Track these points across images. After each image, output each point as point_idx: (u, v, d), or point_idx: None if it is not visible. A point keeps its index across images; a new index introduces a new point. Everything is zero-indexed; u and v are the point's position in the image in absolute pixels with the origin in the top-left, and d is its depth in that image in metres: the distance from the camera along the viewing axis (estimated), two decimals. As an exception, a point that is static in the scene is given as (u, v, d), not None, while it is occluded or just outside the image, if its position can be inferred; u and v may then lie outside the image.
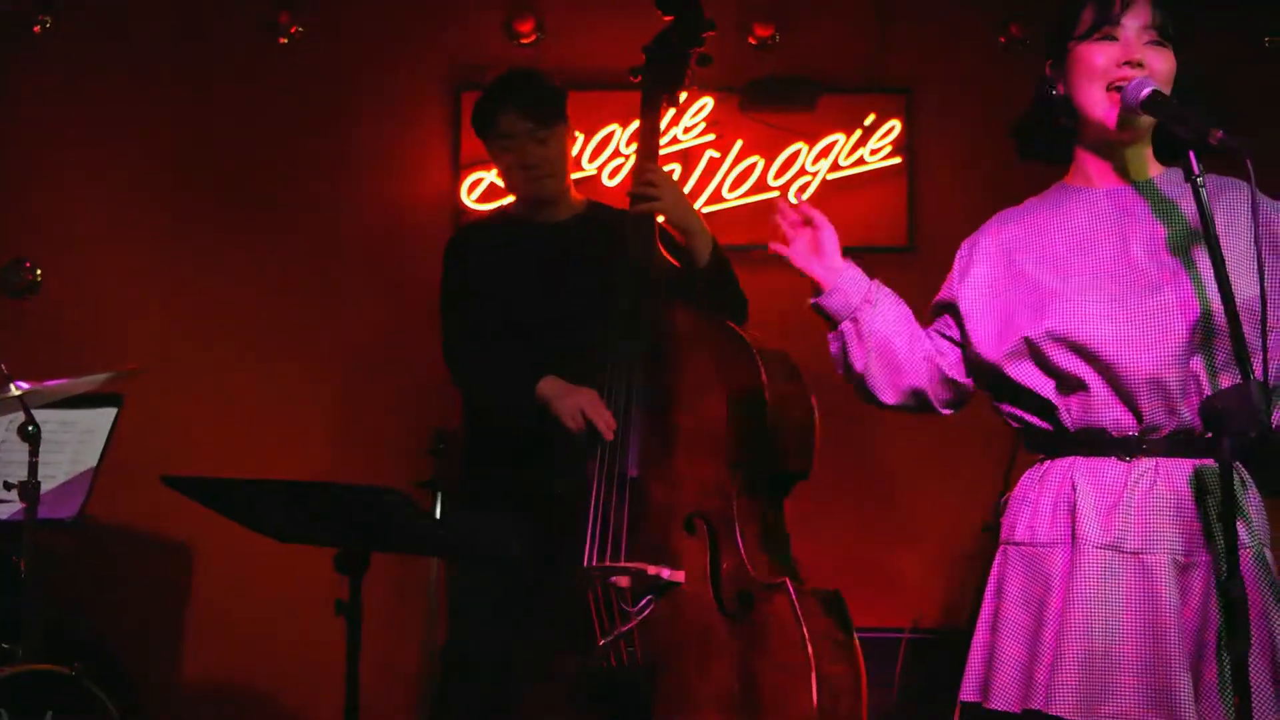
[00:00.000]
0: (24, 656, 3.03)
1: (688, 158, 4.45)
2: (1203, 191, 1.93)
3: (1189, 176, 1.92)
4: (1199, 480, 2.03)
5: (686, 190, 4.30)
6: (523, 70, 3.35)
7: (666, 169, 3.04)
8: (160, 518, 4.15)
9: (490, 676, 2.98)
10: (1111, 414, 2.04)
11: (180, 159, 4.47)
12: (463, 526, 3.23)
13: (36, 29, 4.39)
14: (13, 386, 3.17)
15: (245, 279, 4.44)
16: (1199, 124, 1.92)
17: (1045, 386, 2.08)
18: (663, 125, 3.02)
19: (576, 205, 3.27)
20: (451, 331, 3.19)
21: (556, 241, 3.18)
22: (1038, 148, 2.23)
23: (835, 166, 4.46)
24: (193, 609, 4.33)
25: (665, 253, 2.96)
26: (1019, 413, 2.15)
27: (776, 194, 4.42)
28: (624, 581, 2.63)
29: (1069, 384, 2.06)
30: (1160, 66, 2.07)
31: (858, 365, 2.25)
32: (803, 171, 4.45)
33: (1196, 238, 2.04)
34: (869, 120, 4.46)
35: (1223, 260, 1.90)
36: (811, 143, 4.45)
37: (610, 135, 4.43)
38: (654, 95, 2.98)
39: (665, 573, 2.63)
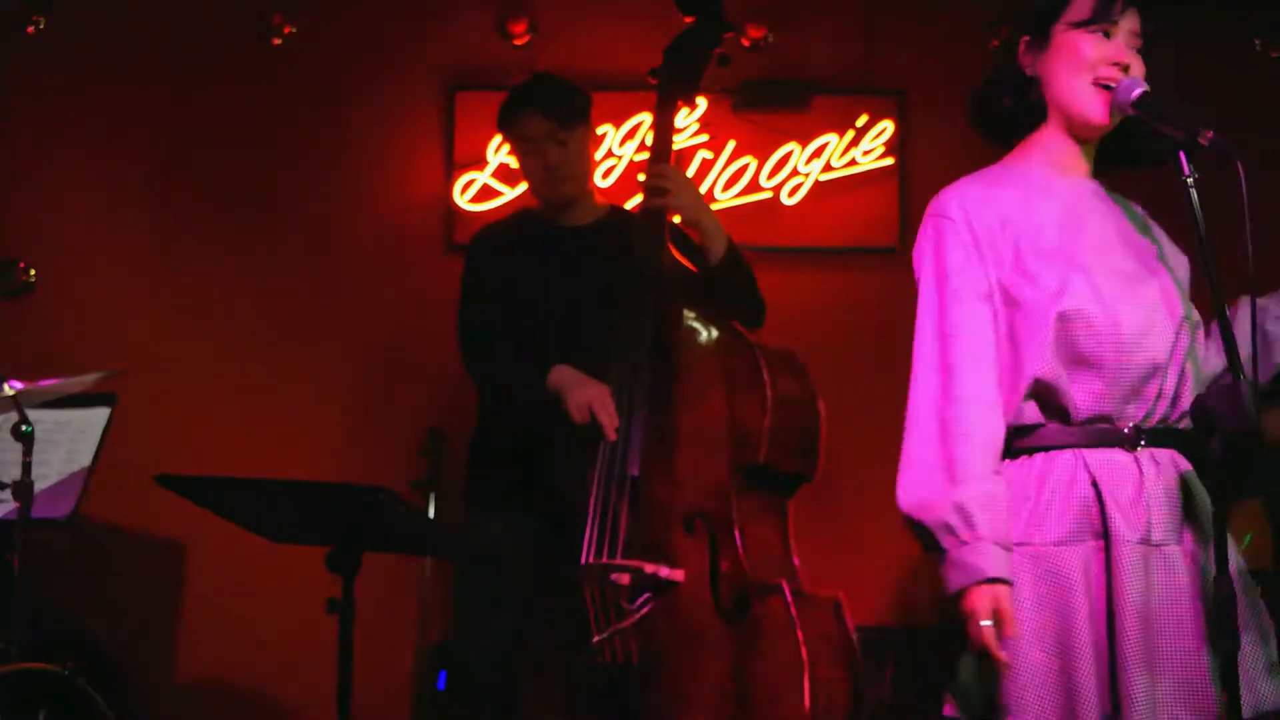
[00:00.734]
0: (17, 655, 3.03)
1: (681, 159, 4.46)
2: (1194, 192, 1.95)
3: (1179, 176, 1.93)
4: (1179, 472, 2.05)
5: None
6: (547, 74, 3.38)
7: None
8: (154, 517, 4.14)
9: (491, 674, 2.99)
10: (1118, 405, 2.04)
11: (174, 159, 4.46)
12: (468, 528, 3.24)
13: (30, 29, 4.38)
14: (6, 386, 3.16)
15: (238, 279, 4.44)
16: (1190, 125, 1.94)
17: (1058, 376, 2.03)
18: (677, 123, 3.03)
19: (599, 209, 3.28)
20: (468, 327, 3.20)
21: (575, 243, 3.20)
22: (996, 123, 2.17)
23: (828, 167, 4.46)
24: (186, 608, 4.33)
25: (680, 256, 2.97)
26: (1016, 403, 2.09)
27: (769, 194, 4.44)
28: (624, 579, 2.64)
29: (1080, 373, 2.03)
30: (1140, 73, 2.08)
31: None
32: (795, 172, 4.45)
33: (1151, 238, 2.14)
34: (861, 121, 4.46)
35: (1217, 263, 1.92)
36: (804, 144, 4.46)
37: (603, 136, 4.43)
38: (670, 95, 3.00)
39: (664, 571, 2.64)
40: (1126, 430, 2.03)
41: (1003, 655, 1.94)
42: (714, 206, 4.44)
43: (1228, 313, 1.92)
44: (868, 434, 4.24)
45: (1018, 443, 2.07)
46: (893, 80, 4.51)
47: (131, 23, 4.48)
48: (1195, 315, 2.12)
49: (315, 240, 4.48)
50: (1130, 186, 2.25)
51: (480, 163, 4.43)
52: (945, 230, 2.08)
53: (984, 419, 2.02)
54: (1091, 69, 2.07)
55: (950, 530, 1.98)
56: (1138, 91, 2.03)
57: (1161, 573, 1.99)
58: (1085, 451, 2.03)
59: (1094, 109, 2.08)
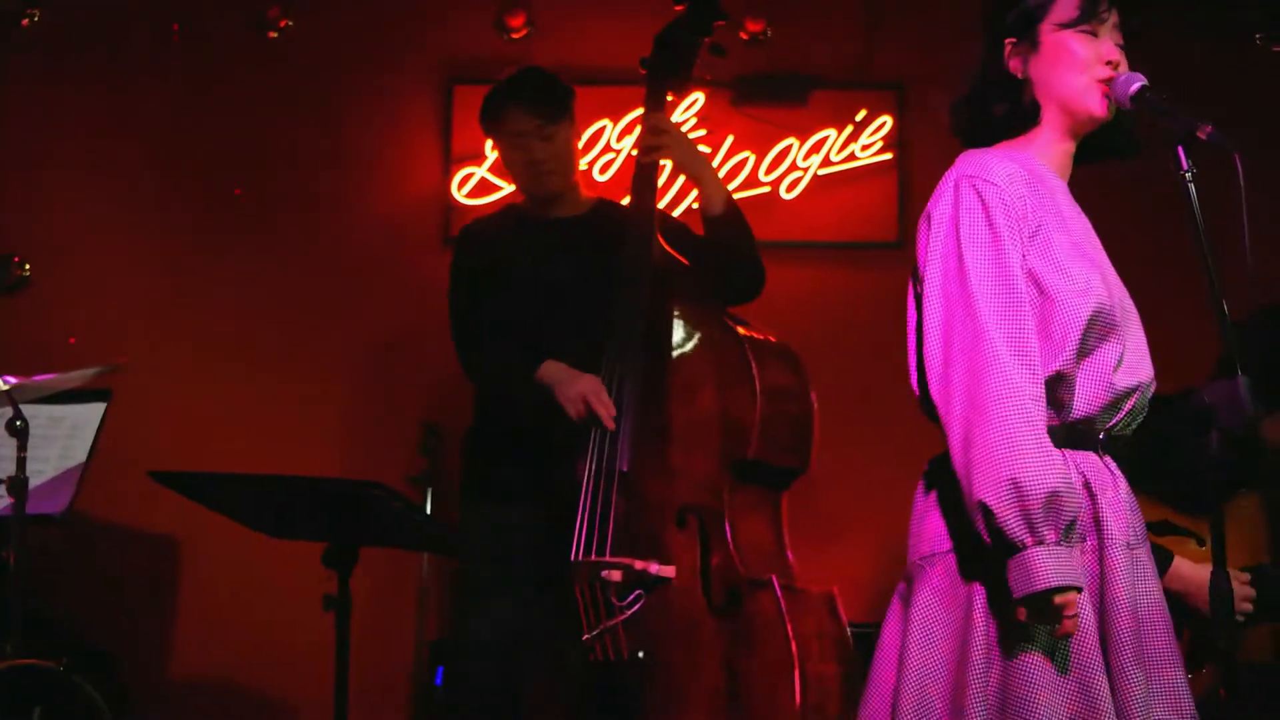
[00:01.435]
0: (12, 652, 3.02)
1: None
2: (1192, 187, 1.94)
3: (1177, 170, 1.93)
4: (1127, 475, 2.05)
5: (676, 189, 4.32)
6: (530, 68, 3.36)
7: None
8: (149, 513, 4.14)
9: (489, 670, 2.99)
10: (1102, 410, 2.03)
11: (170, 154, 4.45)
12: (465, 524, 3.23)
13: (25, 22, 4.37)
14: (1, 381, 3.16)
15: (234, 274, 4.43)
16: (1188, 118, 1.93)
17: (1071, 375, 1.99)
18: (675, 116, 3.02)
19: (585, 202, 3.27)
20: (460, 321, 3.20)
21: (563, 236, 3.19)
22: (985, 129, 2.12)
23: (826, 162, 4.45)
24: (182, 603, 4.32)
25: (669, 248, 2.96)
26: None
27: (768, 189, 4.43)
28: (615, 576, 2.63)
29: (1087, 375, 2.00)
30: (1125, 70, 2.07)
31: None
32: (794, 167, 4.44)
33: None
34: (860, 116, 4.45)
35: (1216, 259, 1.91)
36: (803, 138, 4.45)
37: (601, 131, 4.42)
38: (660, 84, 2.99)
39: (655, 567, 2.63)
40: (1100, 435, 2.03)
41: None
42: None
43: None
44: (867, 428, 4.25)
45: None
46: (891, 74, 4.50)
47: (127, 17, 4.46)
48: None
49: (312, 235, 4.47)
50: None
51: (478, 157, 4.41)
52: (989, 194, 1.97)
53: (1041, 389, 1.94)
54: (1088, 68, 2.06)
55: (1073, 528, 1.87)
56: (1136, 86, 2.02)
57: (1142, 576, 2.00)
58: (1070, 453, 2.00)
59: (1098, 104, 2.06)
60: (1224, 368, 2.07)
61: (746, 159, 4.45)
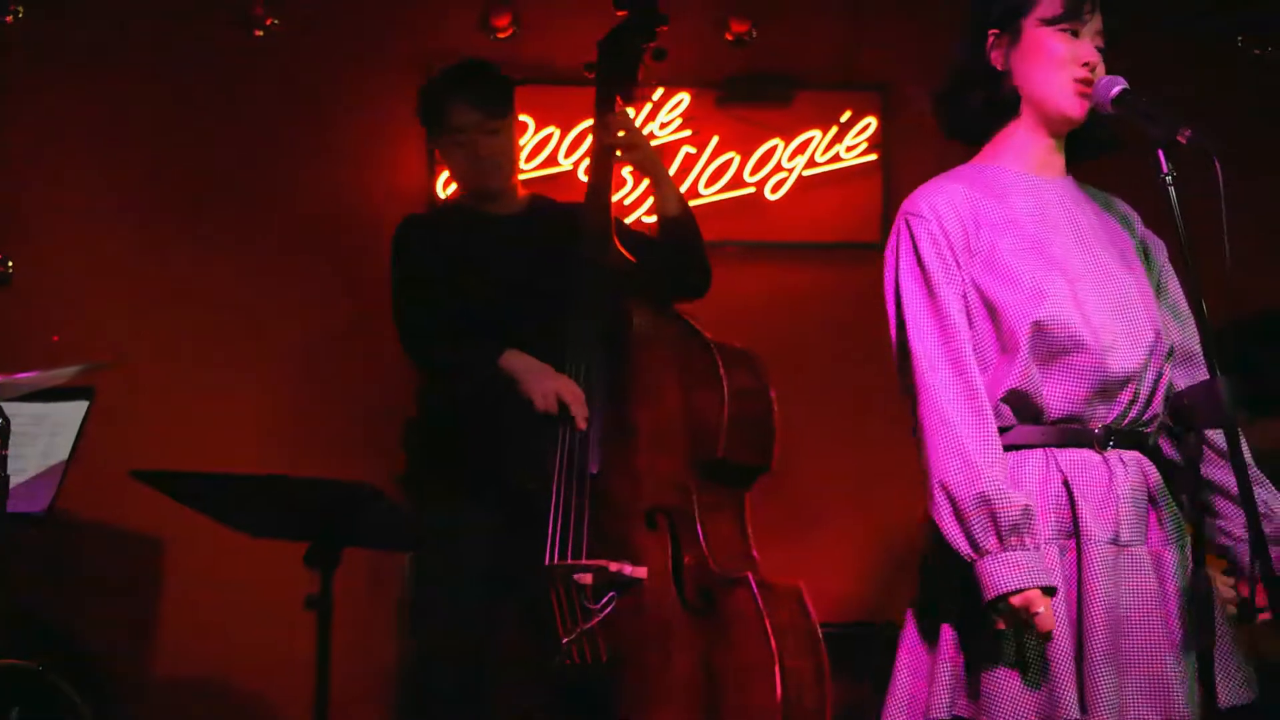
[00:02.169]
0: (-9, 652, 3.02)
1: (663, 153, 4.45)
2: (1172, 190, 1.95)
3: (1158, 174, 1.93)
4: (1142, 472, 2.05)
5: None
6: (470, 61, 3.32)
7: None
8: (131, 512, 4.12)
9: (460, 677, 2.97)
10: (1091, 406, 2.04)
11: (153, 150, 4.44)
12: (439, 525, 3.22)
13: (9, 19, 4.35)
14: (-18, 379, 3.15)
15: (218, 271, 4.41)
16: (1169, 122, 1.94)
17: (1032, 377, 2.03)
18: (632, 115, 3.02)
19: (522, 199, 3.25)
20: (411, 315, 3.14)
21: (510, 232, 3.16)
22: (966, 120, 2.15)
23: (811, 163, 4.46)
24: (163, 604, 4.31)
25: (622, 248, 2.95)
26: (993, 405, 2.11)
27: (753, 190, 4.43)
28: (586, 579, 2.64)
29: (1055, 376, 2.02)
30: (1102, 72, 2.08)
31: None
32: (779, 168, 4.45)
33: (1132, 234, 2.16)
34: (845, 117, 4.46)
35: (1196, 262, 1.92)
36: (787, 139, 4.46)
37: (586, 131, 4.42)
38: (608, 90, 2.98)
39: (627, 569, 2.64)
40: (1097, 430, 2.03)
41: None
42: (697, 202, 4.45)
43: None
44: (850, 429, 4.26)
45: None
46: (876, 76, 4.51)
47: (111, 13, 4.45)
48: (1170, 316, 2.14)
49: (296, 233, 4.46)
50: (1119, 183, 2.25)
51: (463, 156, 4.40)
52: (918, 227, 2.07)
53: (989, 410, 2.02)
54: (1066, 67, 2.07)
55: (1015, 530, 1.92)
56: (1116, 89, 2.03)
57: (1129, 573, 2.00)
58: (1056, 451, 2.03)
59: (1072, 104, 2.08)
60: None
61: (731, 160, 4.45)
